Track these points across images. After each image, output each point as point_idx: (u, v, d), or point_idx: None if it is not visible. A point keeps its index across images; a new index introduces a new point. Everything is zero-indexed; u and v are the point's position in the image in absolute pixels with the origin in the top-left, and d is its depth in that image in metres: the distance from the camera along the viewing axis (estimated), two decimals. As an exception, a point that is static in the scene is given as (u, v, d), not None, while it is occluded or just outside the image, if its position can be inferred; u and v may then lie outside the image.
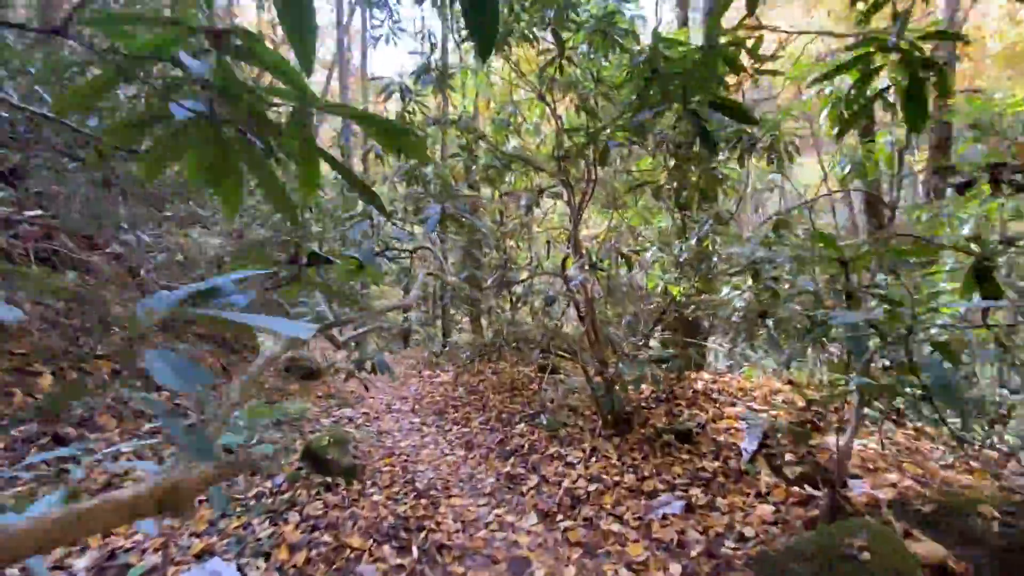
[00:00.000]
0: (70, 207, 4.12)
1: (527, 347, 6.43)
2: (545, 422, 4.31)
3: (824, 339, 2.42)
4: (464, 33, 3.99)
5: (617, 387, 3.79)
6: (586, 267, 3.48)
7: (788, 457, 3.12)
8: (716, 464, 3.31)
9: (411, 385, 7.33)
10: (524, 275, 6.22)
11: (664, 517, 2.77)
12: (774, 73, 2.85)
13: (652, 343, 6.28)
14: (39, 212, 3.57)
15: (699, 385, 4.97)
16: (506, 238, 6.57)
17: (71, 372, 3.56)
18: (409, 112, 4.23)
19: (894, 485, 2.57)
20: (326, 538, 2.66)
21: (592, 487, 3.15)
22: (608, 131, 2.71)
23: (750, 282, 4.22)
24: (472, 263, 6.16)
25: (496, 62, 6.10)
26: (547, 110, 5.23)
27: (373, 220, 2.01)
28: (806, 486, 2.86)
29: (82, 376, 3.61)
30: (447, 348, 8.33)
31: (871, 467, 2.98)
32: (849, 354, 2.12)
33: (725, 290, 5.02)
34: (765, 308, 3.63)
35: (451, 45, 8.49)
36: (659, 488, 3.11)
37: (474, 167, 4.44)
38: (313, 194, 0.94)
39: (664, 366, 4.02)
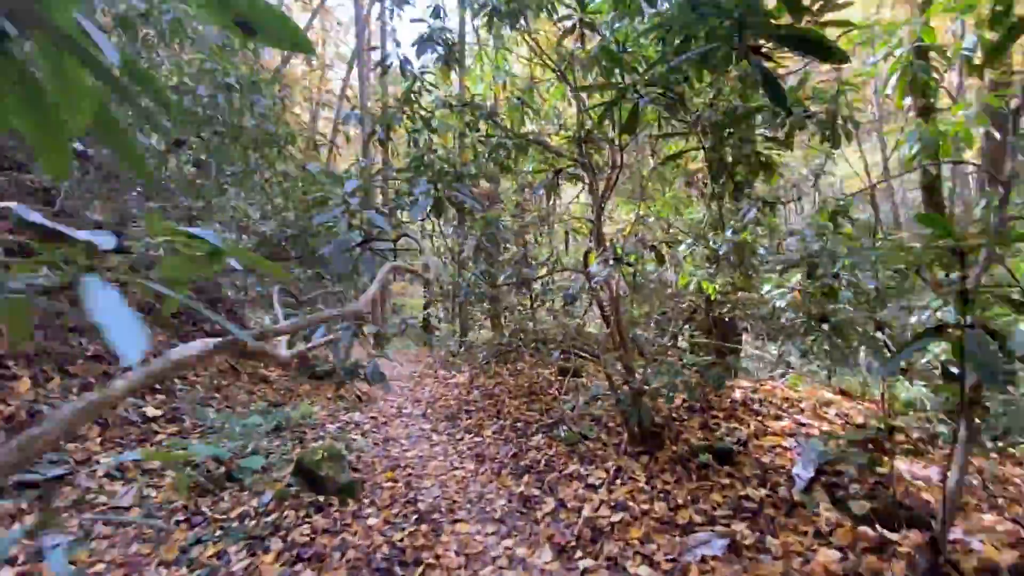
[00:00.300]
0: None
1: (546, 348, 6.01)
2: (564, 435, 3.89)
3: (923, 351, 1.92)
4: (480, 5, 3.57)
5: (645, 397, 3.34)
6: (610, 262, 3.04)
7: (853, 488, 2.62)
8: (763, 492, 2.83)
9: (425, 386, 7.01)
10: (543, 271, 5.80)
11: (703, 560, 2.32)
12: (842, 25, 2.35)
13: (682, 345, 5.77)
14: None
15: (737, 394, 4.46)
16: (524, 232, 6.15)
17: (55, 375, 3.34)
18: (414, 93, 3.86)
19: (1010, 544, 2.05)
20: (308, 573, 2.32)
21: (617, 517, 2.72)
22: (638, 89, 2.26)
23: (795, 279, 3.72)
24: (487, 258, 5.77)
25: (514, 41, 5.67)
26: (567, 91, 4.79)
27: (348, 204, 1.66)
28: (878, 527, 2.36)
29: (66, 379, 3.38)
30: (463, 348, 7.98)
31: (956, 503, 2.46)
32: (954, 373, 1.63)
33: (766, 288, 4.53)
34: (823, 311, 3.13)
35: (468, 29, 8.09)
36: (696, 520, 2.65)
37: (484, 150, 4.03)
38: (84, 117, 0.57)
39: (701, 373, 3.55)
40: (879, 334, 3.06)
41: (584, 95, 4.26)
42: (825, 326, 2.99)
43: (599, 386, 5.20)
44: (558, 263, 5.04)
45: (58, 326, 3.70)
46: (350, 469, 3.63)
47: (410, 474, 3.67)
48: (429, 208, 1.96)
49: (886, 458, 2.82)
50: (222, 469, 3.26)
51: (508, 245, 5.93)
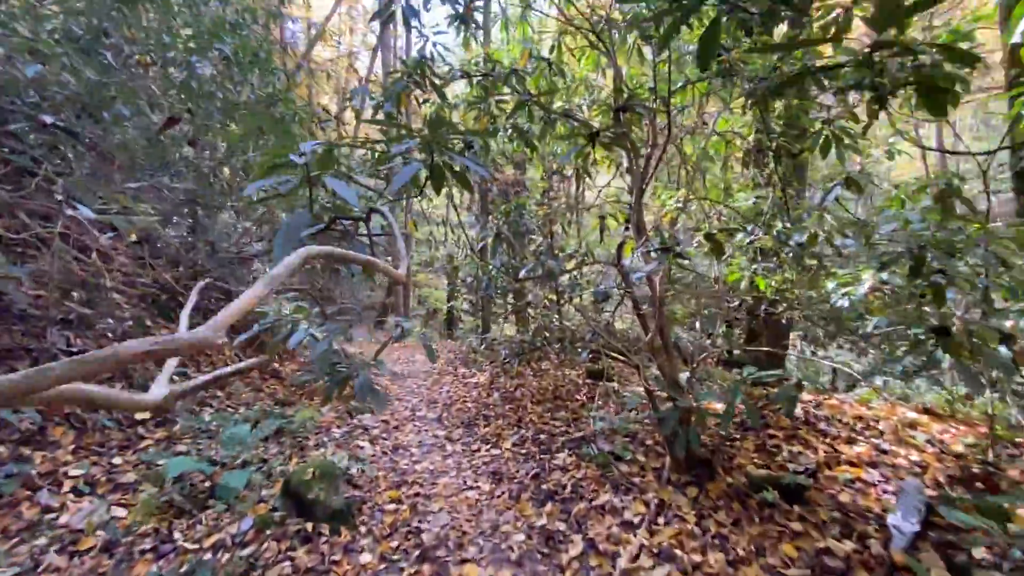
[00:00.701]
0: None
1: (573, 347, 5.48)
2: (594, 453, 3.37)
3: None
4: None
5: (693, 416, 2.78)
6: (655, 253, 2.48)
7: (981, 553, 2.01)
8: (849, 546, 2.24)
9: (444, 385, 6.60)
10: (571, 264, 5.26)
11: (781, 645, 1.78)
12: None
13: (727, 350, 5.13)
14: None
15: (798, 409, 3.84)
16: (551, 220, 5.61)
17: (28, 374, 3.04)
18: (427, 60, 3.35)
19: None
20: (278, 633, 1.90)
21: (662, 572, 2.19)
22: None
23: (866, 275, 3.10)
24: (510, 249, 5.26)
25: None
26: (601, 58, 4.20)
27: (308, 170, 1.22)
28: (1024, 612, 1.76)
29: (42, 379, 3.07)
30: (484, 345, 7.52)
31: None
32: None
33: (831, 285, 3.90)
34: (922, 316, 2.50)
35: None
36: (764, 581, 2.10)
37: (504, 117, 3.50)
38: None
39: (763, 387, 2.95)
40: (1003, 348, 2.41)
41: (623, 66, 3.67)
42: (937, 335, 2.35)
43: (634, 395, 4.65)
44: (588, 255, 4.48)
45: (33, 317, 3.41)
46: (350, 485, 3.22)
47: (417, 494, 3.22)
48: (425, 180, 1.47)
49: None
50: (208, 483, 2.90)
51: (533, 236, 5.40)
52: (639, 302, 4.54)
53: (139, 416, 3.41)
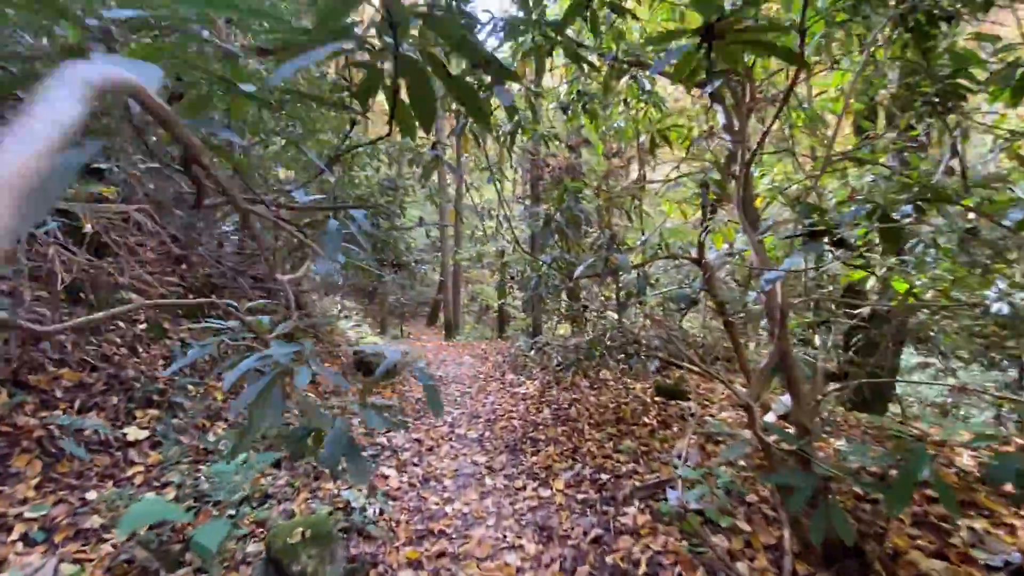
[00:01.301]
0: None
1: (639, 357, 4.59)
2: (675, 514, 2.51)
3: None
4: None
5: (838, 486, 1.86)
6: (805, 241, 1.58)
7: None
8: None
9: (489, 394, 5.91)
10: (636, 258, 4.38)
11: None
12: None
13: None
14: None
15: (966, 457, 2.77)
16: (613, 206, 4.73)
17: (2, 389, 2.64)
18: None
19: None
20: None
21: None
22: None
23: None
24: (563, 242, 4.45)
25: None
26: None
27: None
28: None
29: (19, 395, 2.67)
30: (534, 348, 6.77)
31: None
32: None
33: (1000, 283, 2.92)
34: None
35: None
36: None
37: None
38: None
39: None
40: None
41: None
42: None
43: (720, 424, 3.72)
44: (663, 247, 3.59)
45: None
46: (360, 536, 2.59)
47: (442, 553, 2.53)
48: (392, 97, 0.73)
49: None
50: (184, 534, 2.36)
51: (589, 228, 4.55)
52: (725, 306, 3.60)
53: (132, 436, 2.97)
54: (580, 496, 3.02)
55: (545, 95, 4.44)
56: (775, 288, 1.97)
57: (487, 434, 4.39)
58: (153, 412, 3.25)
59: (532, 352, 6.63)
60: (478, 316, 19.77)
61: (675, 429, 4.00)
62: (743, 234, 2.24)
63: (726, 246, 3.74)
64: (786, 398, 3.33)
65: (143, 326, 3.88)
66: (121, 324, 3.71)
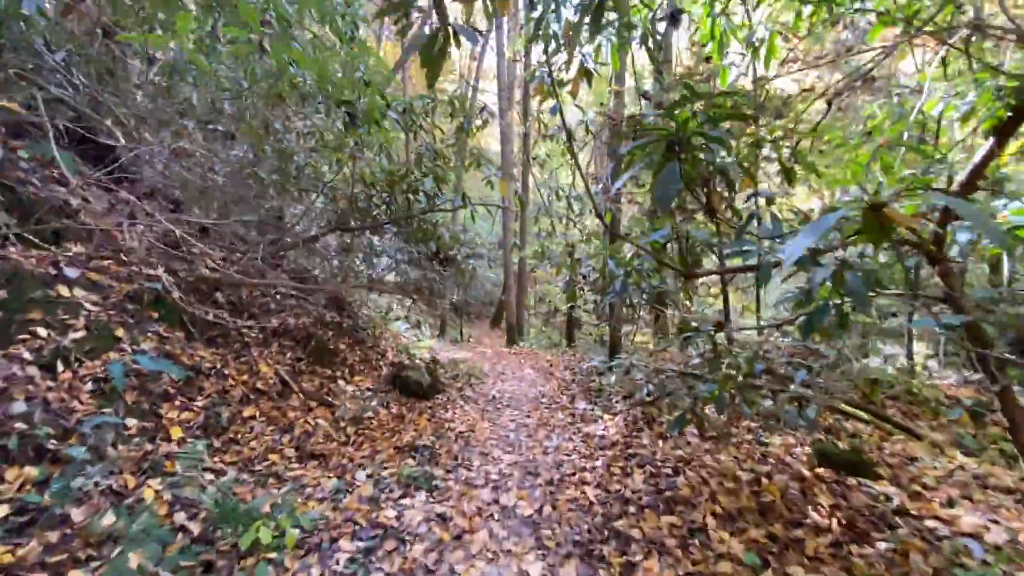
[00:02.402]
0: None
1: (792, 402, 2.86)
2: None
3: None
4: None
5: None
6: None
7: None
8: None
9: (554, 430, 4.41)
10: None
11: None
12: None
13: None
14: None
15: None
16: (751, 175, 3.01)
17: None
18: None
19: None
20: None
21: None
22: None
23: None
24: (673, 224, 2.88)
25: None
26: None
27: None
28: None
29: None
30: (613, 369, 5.17)
31: None
32: None
33: None
34: None
35: None
36: None
37: None
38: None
39: None
40: None
41: None
42: None
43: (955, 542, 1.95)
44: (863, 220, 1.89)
45: None
46: None
47: None
48: None
49: None
50: None
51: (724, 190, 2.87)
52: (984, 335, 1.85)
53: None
54: None
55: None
56: None
57: (546, 511, 2.88)
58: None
59: (611, 376, 5.03)
60: (545, 319, 18.20)
61: (880, 546, 2.24)
62: None
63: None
64: None
65: (81, 333, 2.83)
66: (41, 332, 2.68)
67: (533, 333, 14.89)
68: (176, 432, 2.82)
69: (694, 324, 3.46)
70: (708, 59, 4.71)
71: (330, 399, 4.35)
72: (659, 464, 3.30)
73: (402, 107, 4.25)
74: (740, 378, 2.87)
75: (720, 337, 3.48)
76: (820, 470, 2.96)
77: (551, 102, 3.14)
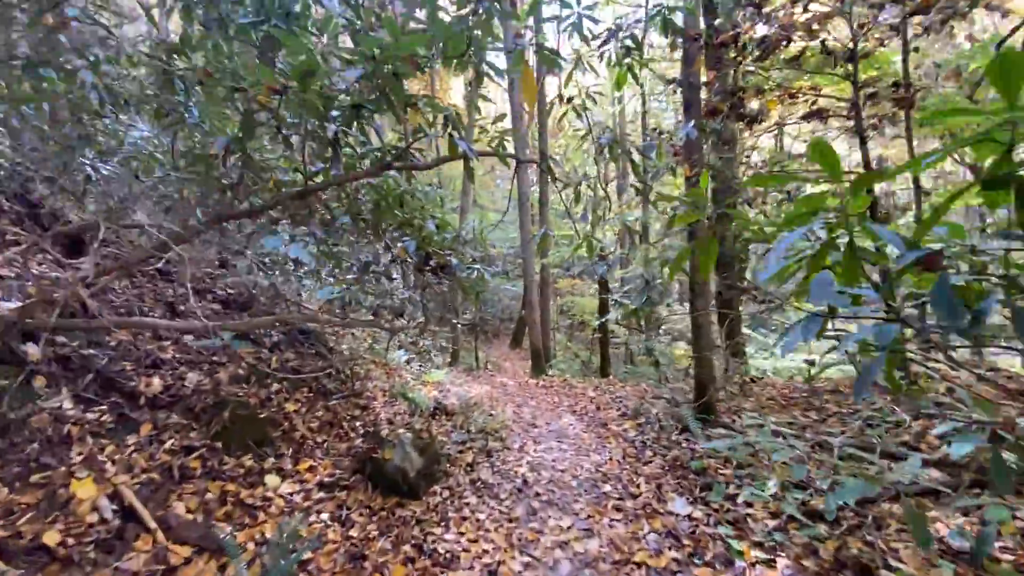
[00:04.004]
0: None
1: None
2: None
3: None
4: None
5: None
6: None
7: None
8: None
9: (606, 515, 2.33)
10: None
11: None
12: None
13: None
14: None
15: None
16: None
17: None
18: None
19: None
20: None
21: None
22: None
23: None
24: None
25: None
26: None
27: None
28: None
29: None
30: (710, 432, 3.08)
31: None
32: None
33: None
34: None
35: None
36: None
37: None
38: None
39: None
40: None
41: None
42: None
43: None
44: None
45: None
46: None
47: None
48: None
49: None
50: None
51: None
52: None
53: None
54: None
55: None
56: None
57: None
58: None
59: (714, 441, 2.95)
60: (569, 333, 15.98)
61: None
62: None
63: None
64: None
65: None
66: None
67: (559, 354, 12.66)
68: None
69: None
70: None
71: (223, 535, 2.32)
72: None
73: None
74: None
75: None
76: None
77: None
